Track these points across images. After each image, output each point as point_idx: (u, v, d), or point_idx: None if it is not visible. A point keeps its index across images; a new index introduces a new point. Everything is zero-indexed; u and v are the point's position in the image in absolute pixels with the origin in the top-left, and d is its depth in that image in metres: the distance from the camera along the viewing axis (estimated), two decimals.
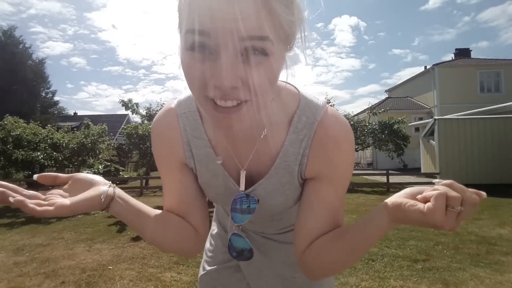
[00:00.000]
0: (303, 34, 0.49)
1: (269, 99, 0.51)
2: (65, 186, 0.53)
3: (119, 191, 0.56)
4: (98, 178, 0.56)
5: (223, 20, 0.39)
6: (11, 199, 0.45)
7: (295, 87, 0.62)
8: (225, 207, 0.75)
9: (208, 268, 0.85)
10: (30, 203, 0.46)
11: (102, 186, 0.54)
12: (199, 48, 0.42)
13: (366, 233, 0.51)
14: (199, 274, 0.87)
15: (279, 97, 0.59)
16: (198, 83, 0.44)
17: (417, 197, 0.45)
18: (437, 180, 0.46)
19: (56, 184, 0.51)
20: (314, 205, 0.61)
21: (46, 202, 0.47)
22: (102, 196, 0.52)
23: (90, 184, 0.53)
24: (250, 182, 0.64)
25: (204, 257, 0.89)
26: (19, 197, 0.46)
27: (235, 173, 0.64)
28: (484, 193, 0.44)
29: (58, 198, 0.49)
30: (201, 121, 0.62)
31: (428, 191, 0.44)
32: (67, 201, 0.49)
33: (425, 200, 0.43)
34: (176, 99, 0.66)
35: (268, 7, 0.41)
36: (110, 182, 0.57)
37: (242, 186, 0.62)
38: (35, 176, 0.49)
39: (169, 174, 0.66)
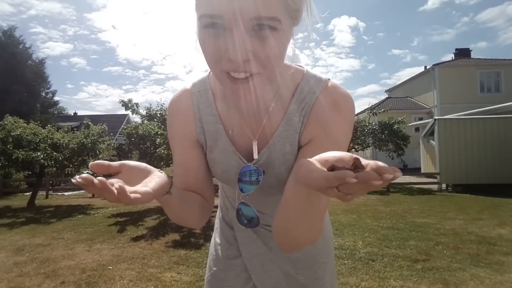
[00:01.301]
0: (309, 9, 0.52)
1: (278, 71, 0.57)
2: (120, 175, 0.48)
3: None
4: (148, 165, 0.52)
5: (235, 3, 0.44)
6: (113, 189, 0.38)
7: (301, 66, 0.66)
8: (230, 185, 0.74)
9: (214, 268, 0.84)
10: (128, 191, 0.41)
11: (158, 172, 0.51)
12: (213, 27, 0.47)
13: (284, 195, 0.54)
14: (206, 275, 0.86)
15: (286, 72, 0.63)
16: (214, 58, 0.49)
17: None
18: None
19: (108, 173, 0.46)
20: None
21: (133, 189, 0.43)
22: (169, 182, 0.52)
23: (147, 171, 0.50)
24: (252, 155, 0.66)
25: (210, 256, 0.88)
26: (119, 186, 0.39)
27: (243, 148, 0.66)
28: (399, 172, 0.33)
29: (138, 187, 0.46)
30: (213, 99, 0.67)
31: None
32: (149, 188, 0.46)
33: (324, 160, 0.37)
34: (190, 81, 0.71)
35: None
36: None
37: (256, 155, 0.64)
38: (90, 164, 0.43)
39: (183, 151, 0.70)
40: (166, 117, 9.06)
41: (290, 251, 0.72)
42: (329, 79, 0.64)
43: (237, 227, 0.82)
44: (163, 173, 0.52)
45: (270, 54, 0.48)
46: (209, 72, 0.69)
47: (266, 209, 0.75)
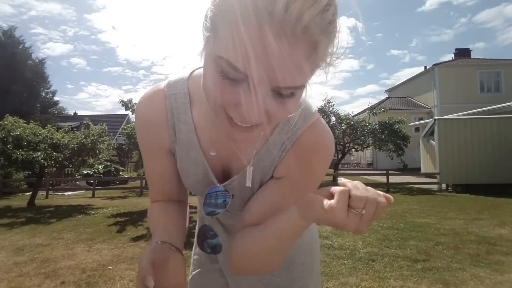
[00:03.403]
0: (333, 51, 0.43)
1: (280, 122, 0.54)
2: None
3: (167, 239, 0.57)
4: (160, 252, 0.53)
5: (265, 69, 0.36)
6: None
7: None
8: (201, 196, 0.74)
9: (193, 272, 0.85)
10: None
11: (170, 252, 0.54)
12: (230, 77, 0.39)
13: (277, 224, 0.51)
14: (188, 277, 0.87)
15: None
16: (221, 102, 0.42)
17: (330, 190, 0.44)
18: (341, 180, 0.45)
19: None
20: (263, 199, 0.61)
21: None
22: (183, 263, 0.54)
23: (164, 259, 0.52)
24: (225, 175, 0.64)
25: (192, 258, 0.89)
26: None
27: (215, 164, 0.63)
28: (392, 198, 0.43)
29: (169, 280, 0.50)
30: (189, 105, 0.59)
31: (333, 187, 0.44)
32: (182, 282, 0.51)
33: (332, 196, 0.43)
34: (166, 80, 0.62)
35: (315, 55, 0.38)
36: (157, 241, 0.57)
37: (249, 183, 0.60)
38: (149, 283, 0.46)
39: (156, 161, 0.65)
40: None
41: (243, 275, 0.73)
42: (317, 113, 0.60)
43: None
44: (178, 253, 0.55)
45: (284, 115, 0.43)
46: (191, 73, 0.61)
47: (227, 221, 0.77)
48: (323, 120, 0.61)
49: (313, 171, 0.60)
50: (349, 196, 0.42)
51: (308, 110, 0.59)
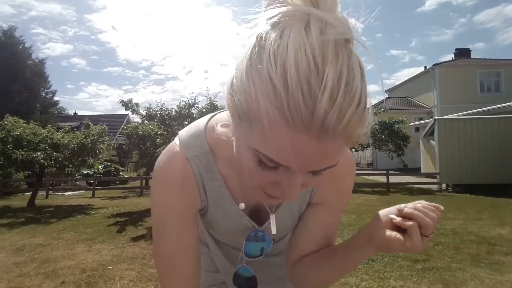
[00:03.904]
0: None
1: None
2: None
3: None
4: None
5: (305, 162, 0.37)
6: None
7: None
8: (231, 244, 0.74)
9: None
10: None
11: None
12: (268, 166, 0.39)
13: (351, 260, 0.56)
14: None
15: None
16: (259, 183, 0.42)
17: (393, 221, 0.49)
18: (398, 207, 0.51)
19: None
20: (313, 228, 0.64)
21: None
22: None
23: None
24: (258, 215, 0.65)
25: None
26: None
27: (249, 209, 0.64)
28: (441, 207, 0.49)
29: None
30: (214, 162, 0.58)
31: (398, 219, 0.49)
32: None
33: (394, 225, 0.49)
34: (176, 142, 0.59)
35: (350, 141, 0.38)
36: None
37: (274, 230, 0.61)
38: None
39: (183, 228, 0.58)
40: (167, 121, 8.99)
41: None
42: None
43: (214, 253, 0.82)
44: None
45: (319, 183, 0.45)
46: (205, 127, 0.59)
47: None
48: None
49: (346, 190, 0.64)
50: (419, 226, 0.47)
51: None
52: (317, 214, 0.64)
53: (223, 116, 0.57)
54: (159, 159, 0.59)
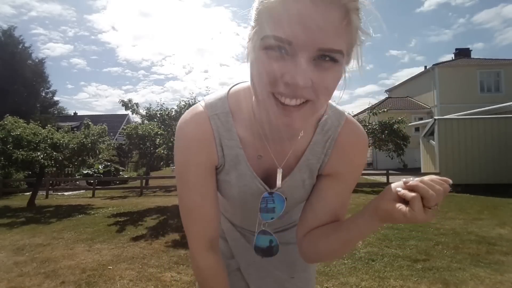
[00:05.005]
0: (359, 52, 0.50)
1: (327, 103, 0.58)
2: None
3: None
4: None
5: (306, 31, 0.42)
6: None
7: None
8: (244, 208, 0.75)
9: None
10: None
11: None
12: (276, 50, 0.45)
13: (357, 230, 0.57)
14: None
15: None
16: (268, 79, 0.46)
17: (398, 193, 0.50)
18: (404, 179, 0.51)
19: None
20: (324, 199, 0.66)
21: None
22: None
23: None
24: (270, 183, 0.66)
25: None
26: None
27: (262, 173, 0.66)
28: (450, 180, 0.49)
29: None
30: (232, 122, 0.63)
31: (403, 191, 0.50)
32: None
33: (399, 198, 0.50)
34: (202, 102, 0.65)
35: (348, 19, 0.44)
36: None
37: (279, 183, 0.64)
38: None
39: (202, 179, 0.63)
40: (167, 121, 9.02)
41: (315, 262, 0.80)
42: (346, 113, 0.67)
43: (230, 238, 0.85)
44: None
45: (328, 85, 0.47)
46: (228, 92, 0.64)
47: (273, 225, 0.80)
48: (351, 116, 0.67)
49: (357, 165, 0.66)
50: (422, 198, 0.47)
51: (339, 111, 0.65)
52: (328, 186, 0.66)
53: (244, 84, 0.65)
54: (182, 116, 0.64)
